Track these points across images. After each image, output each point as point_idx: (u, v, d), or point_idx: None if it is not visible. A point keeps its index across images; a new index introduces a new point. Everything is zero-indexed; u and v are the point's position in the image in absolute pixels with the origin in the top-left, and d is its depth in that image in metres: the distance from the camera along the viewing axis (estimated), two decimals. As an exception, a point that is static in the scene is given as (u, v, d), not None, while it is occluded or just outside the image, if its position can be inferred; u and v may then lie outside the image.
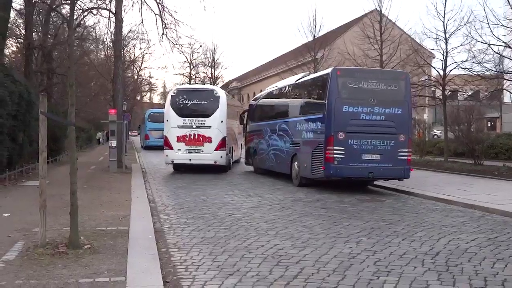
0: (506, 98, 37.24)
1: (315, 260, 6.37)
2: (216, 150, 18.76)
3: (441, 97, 23.91)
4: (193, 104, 19.25)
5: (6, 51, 25.50)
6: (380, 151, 13.20)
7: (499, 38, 19.43)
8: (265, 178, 17.73)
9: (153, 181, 16.49)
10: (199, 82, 64.22)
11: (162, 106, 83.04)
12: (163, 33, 23.51)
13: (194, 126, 18.84)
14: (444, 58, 22.27)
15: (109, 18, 22.41)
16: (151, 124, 42.29)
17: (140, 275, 5.43)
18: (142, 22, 50.58)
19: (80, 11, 18.97)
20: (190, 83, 62.45)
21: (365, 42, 27.81)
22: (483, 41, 19.68)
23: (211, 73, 65.24)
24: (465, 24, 20.88)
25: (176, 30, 24.21)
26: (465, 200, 11.77)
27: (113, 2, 21.84)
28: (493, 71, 21.86)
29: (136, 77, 63.56)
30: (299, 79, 17.00)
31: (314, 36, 34.25)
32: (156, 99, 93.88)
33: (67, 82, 7.69)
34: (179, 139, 18.84)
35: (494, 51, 20.33)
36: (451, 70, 22.72)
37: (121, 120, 21.47)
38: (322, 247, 7.09)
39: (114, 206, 10.56)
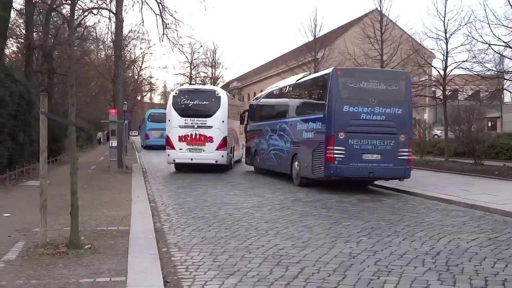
0: (507, 98, 37.18)
1: (316, 260, 6.37)
2: (217, 149, 18.97)
3: (441, 97, 23.90)
4: (194, 104, 19.50)
5: (7, 51, 25.53)
6: (381, 151, 13.20)
7: (499, 38, 19.44)
8: (265, 178, 17.73)
9: (153, 181, 16.49)
10: (200, 82, 64.25)
11: (162, 106, 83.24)
12: (163, 33, 23.52)
13: (195, 126, 19.05)
14: (445, 58, 22.27)
15: (109, 18, 22.45)
16: (151, 124, 42.37)
17: (141, 275, 5.43)
18: (143, 22, 50.80)
19: (81, 11, 19.02)
20: (190, 83, 62.52)
21: (366, 42, 27.79)
22: (483, 41, 19.68)
23: (212, 73, 65.36)
24: (465, 24, 20.89)
25: (176, 30, 24.23)
26: (466, 200, 11.77)
27: (114, 2, 21.86)
28: (493, 71, 21.85)
29: (136, 77, 63.65)
30: (299, 79, 17.00)
31: (315, 36, 34.23)
32: (157, 99, 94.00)
33: (68, 82, 7.69)
34: (180, 138, 19.05)
35: (495, 51, 20.35)
36: (451, 70, 22.73)
37: (121, 120, 21.47)
38: (323, 247, 7.08)
39: (115, 206, 10.56)
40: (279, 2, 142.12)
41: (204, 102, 19.58)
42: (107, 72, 33.34)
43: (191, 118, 19.15)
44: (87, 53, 34.52)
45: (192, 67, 65.33)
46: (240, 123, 22.69)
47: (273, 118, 18.19)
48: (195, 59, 64.66)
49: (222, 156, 19.14)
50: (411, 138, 14.56)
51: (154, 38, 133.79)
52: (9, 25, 20.82)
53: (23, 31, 25.18)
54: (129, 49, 45.57)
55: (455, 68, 22.42)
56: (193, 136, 19.03)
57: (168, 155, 19.49)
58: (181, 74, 66.46)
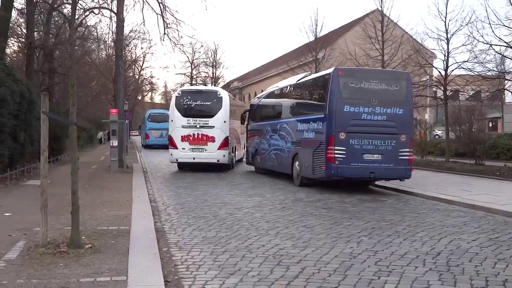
0: (508, 98, 37.13)
1: (316, 260, 6.37)
2: (219, 149, 19.33)
3: (442, 97, 23.88)
4: (197, 104, 19.86)
5: (8, 51, 25.53)
6: (381, 151, 13.19)
7: (500, 39, 19.41)
8: (266, 178, 17.73)
9: (154, 181, 16.50)
10: (201, 82, 64.30)
11: (163, 106, 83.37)
12: (164, 33, 23.50)
13: (198, 126, 19.40)
14: (446, 58, 22.25)
15: (110, 18, 22.45)
16: (151, 124, 42.81)
17: (141, 275, 5.43)
18: (144, 22, 50.57)
19: (82, 10, 18.97)
20: (191, 83, 62.64)
21: (367, 42, 27.78)
22: (484, 41, 19.66)
23: (213, 73, 65.46)
24: (466, 24, 20.87)
25: (177, 30, 24.20)
26: (467, 200, 11.76)
27: (115, 2, 21.81)
28: (494, 71, 21.84)
29: (137, 76, 63.70)
30: (300, 79, 16.99)
31: (316, 36, 34.25)
32: (157, 98, 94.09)
33: (69, 81, 7.70)
34: (183, 138, 19.39)
35: (496, 51, 20.32)
36: (452, 70, 22.71)
37: (122, 119, 21.50)
38: (323, 247, 7.08)
39: (115, 205, 10.57)
40: (280, 2, 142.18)
41: (206, 103, 19.89)
42: (108, 72, 33.28)
43: (194, 118, 19.48)
44: (88, 52, 34.53)
45: (193, 67, 65.47)
46: (241, 123, 22.72)
47: (274, 118, 18.19)
48: (196, 59, 64.80)
49: (224, 155, 19.45)
50: (412, 138, 14.55)
51: (155, 37, 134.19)
52: (10, 24, 20.83)
53: (24, 31, 25.14)
54: (130, 49, 45.62)
55: (456, 68, 22.42)
56: (196, 136, 19.36)
57: (171, 154, 19.80)
58: (182, 74, 66.61)
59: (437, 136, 38.51)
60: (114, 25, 22.36)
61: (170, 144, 19.97)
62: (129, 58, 48.11)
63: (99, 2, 21.84)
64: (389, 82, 13.56)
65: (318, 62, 34.05)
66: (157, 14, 23.35)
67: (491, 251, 7.04)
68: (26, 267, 5.67)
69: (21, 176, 15.76)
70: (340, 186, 14.32)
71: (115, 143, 19.93)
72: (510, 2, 18.81)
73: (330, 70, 14.03)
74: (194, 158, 19.45)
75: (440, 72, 23.36)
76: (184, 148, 19.41)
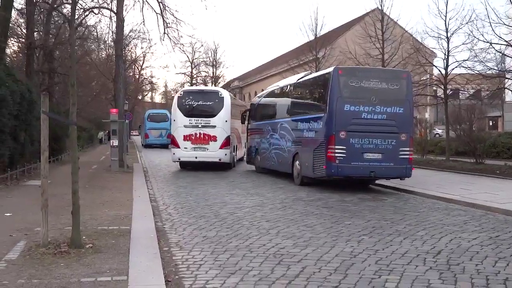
0: (508, 97, 37.12)
1: (317, 259, 6.37)
2: (220, 148, 19.66)
3: (442, 96, 23.89)
4: (198, 104, 20.19)
5: (8, 51, 25.49)
6: (382, 150, 13.20)
7: (500, 37, 19.40)
8: (266, 177, 17.73)
9: (154, 181, 16.51)
10: (201, 82, 64.32)
11: (163, 105, 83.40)
12: (164, 33, 23.50)
13: (199, 126, 19.73)
14: (446, 57, 22.26)
15: (110, 18, 22.46)
16: (150, 124, 43.54)
17: (142, 274, 5.44)
18: (144, 22, 50.59)
19: (81, 10, 18.97)
20: (191, 83, 62.63)
21: (367, 41, 27.78)
22: (485, 40, 19.68)
23: (213, 73, 65.51)
24: (466, 23, 20.89)
25: (177, 29, 24.26)
26: (467, 199, 11.76)
27: (114, 2, 21.83)
28: (494, 70, 21.83)
29: (137, 76, 63.70)
30: (300, 78, 16.99)
31: (316, 35, 34.25)
32: (158, 98, 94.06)
33: (69, 81, 7.70)
34: (185, 138, 19.69)
35: (496, 50, 20.33)
36: (452, 69, 22.73)
37: (122, 119, 21.51)
38: (324, 246, 7.08)
39: (116, 205, 10.57)
40: (280, 2, 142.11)
41: (208, 103, 20.22)
42: (108, 72, 33.29)
43: (196, 118, 19.80)
44: (88, 52, 34.49)
45: (193, 66, 65.48)
46: (241, 123, 22.75)
47: (274, 117, 18.19)
48: (196, 58, 64.85)
49: (226, 154, 19.78)
50: (412, 137, 14.56)
51: (155, 37, 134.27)
52: (10, 24, 20.81)
53: (24, 31, 25.13)
54: (130, 49, 45.67)
55: (456, 67, 22.46)
56: (198, 135, 19.67)
57: (174, 153, 20.16)
58: (182, 73, 66.58)
59: (437, 135, 38.53)
60: (114, 25, 22.40)
61: (172, 143, 20.33)
62: (129, 58, 48.15)
63: (99, 2, 21.88)
64: (389, 81, 13.56)
65: (318, 61, 34.04)
66: (157, 13, 23.38)
67: (492, 249, 7.04)
68: (27, 267, 5.67)
69: (21, 176, 15.77)
70: (340, 185, 14.32)
71: (116, 143, 19.96)
72: (510, 1, 18.81)
73: (330, 69, 14.03)
74: (196, 157, 19.71)
75: (440, 71, 23.37)
76: (186, 148, 19.68)
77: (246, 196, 12.58)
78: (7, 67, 16.46)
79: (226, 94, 21.01)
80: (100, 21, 67.31)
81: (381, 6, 27.66)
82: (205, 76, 66.41)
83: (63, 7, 24.77)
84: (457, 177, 16.81)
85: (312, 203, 11.48)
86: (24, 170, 16.25)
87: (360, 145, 13.10)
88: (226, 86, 65.85)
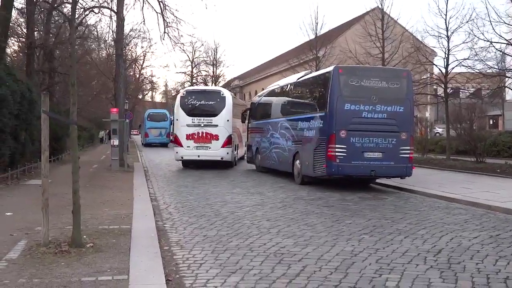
0: (508, 95, 37.09)
1: (317, 258, 6.37)
2: (222, 147, 20.04)
3: (443, 95, 23.88)
4: (201, 104, 20.55)
5: (8, 50, 25.50)
6: (382, 149, 13.19)
7: (501, 36, 19.40)
8: (267, 176, 17.73)
9: (155, 180, 16.51)
10: (201, 81, 64.30)
11: (163, 105, 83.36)
12: (164, 32, 23.50)
13: (202, 125, 20.10)
14: (446, 55, 22.26)
15: (110, 17, 22.50)
16: (150, 123, 44.39)
17: (143, 274, 5.44)
18: (144, 21, 50.48)
19: (82, 10, 18.92)
20: (191, 82, 62.62)
21: (367, 40, 27.77)
22: (485, 39, 19.68)
23: (213, 72, 65.44)
24: (467, 22, 20.89)
25: (177, 28, 24.39)
26: (468, 198, 11.76)
27: (115, 1, 21.84)
28: (495, 69, 21.85)
29: (137, 76, 63.66)
30: (300, 77, 16.98)
31: (316, 34, 34.22)
32: (158, 97, 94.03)
33: (69, 81, 7.70)
34: (188, 137, 20.04)
35: (496, 49, 20.31)
36: (453, 68, 22.72)
37: (122, 119, 21.52)
38: (324, 245, 7.08)
39: (117, 204, 10.58)
40: (280, 1, 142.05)
41: (210, 102, 20.58)
42: (108, 71, 33.29)
43: (198, 117, 20.16)
44: (89, 52, 34.53)
45: (193, 65, 65.40)
46: (242, 122, 22.81)
47: (275, 116, 18.19)
48: (196, 57, 64.82)
49: (227, 153, 20.16)
50: (413, 136, 14.55)
51: (155, 36, 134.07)
52: (10, 24, 20.81)
53: (24, 30, 25.14)
54: (130, 48, 45.59)
55: (456, 66, 22.44)
56: (200, 135, 20.03)
57: (176, 152, 20.51)
58: (183, 72, 66.52)
59: (437, 134, 38.51)
60: (114, 24, 22.47)
61: (175, 142, 20.75)
62: (130, 57, 48.10)
63: (99, 1, 21.87)
64: (390, 80, 13.55)
65: (319, 60, 34.03)
66: (157, 13, 23.39)
67: (492, 248, 7.03)
68: (28, 267, 5.68)
69: (22, 175, 15.78)
70: (341, 184, 14.32)
71: (116, 142, 19.98)
72: (511, 0, 18.79)
73: (330, 68, 14.02)
74: (198, 156, 20.06)
75: (440, 70, 23.38)
76: (189, 146, 20.03)
77: (246, 195, 12.58)
78: (7, 67, 16.46)
79: (227, 94, 21.36)
80: (100, 20, 67.45)
81: (381, 5, 27.67)
82: (206, 75, 66.37)
83: (63, 6, 24.73)
84: (458, 176, 16.80)
85: (312, 202, 11.48)
86: (25, 169, 16.26)
87: (360, 144, 13.10)
88: (227, 85, 65.80)
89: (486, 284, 5.42)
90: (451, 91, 25.46)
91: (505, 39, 19.27)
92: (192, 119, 20.09)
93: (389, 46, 27.16)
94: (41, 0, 23.35)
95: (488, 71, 21.67)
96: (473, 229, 8.42)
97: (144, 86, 70.97)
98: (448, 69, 22.45)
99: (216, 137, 19.96)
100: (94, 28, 30.65)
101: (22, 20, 26.41)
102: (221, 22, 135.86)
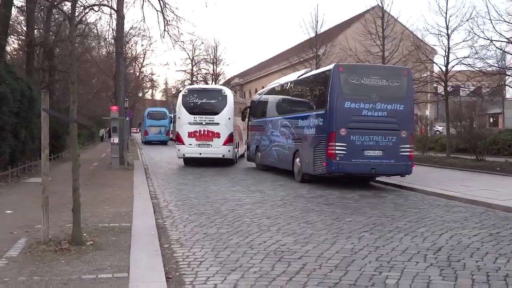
0: (509, 94, 37.14)
1: (318, 255, 6.37)
2: (224, 144, 20.26)
3: (443, 93, 23.85)
4: (202, 102, 20.76)
5: (8, 48, 25.45)
6: (382, 147, 13.19)
7: (501, 34, 19.37)
8: (267, 174, 17.74)
9: (155, 178, 16.51)
10: (201, 79, 64.26)
11: (164, 103, 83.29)
12: (164, 30, 23.46)
13: (204, 123, 20.33)
14: (446, 54, 22.20)
15: (110, 15, 22.44)
16: (150, 121, 45.12)
17: (143, 271, 5.44)
18: (144, 19, 50.48)
19: (82, 8, 18.88)
20: (192, 80, 62.60)
21: (367, 38, 27.73)
22: (485, 37, 19.63)
23: (213, 70, 65.34)
24: (467, 20, 20.84)
25: (177, 26, 24.20)
26: (468, 195, 11.76)
27: (115, -1, 21.79)
28: (495, 67, 21.82)
29: (138, 74, 63.59)
30: (301, 75, 16.98)
31: (316, 32, 34.20)
32: (158, 95, 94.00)
33: (69, 79, 7.70)
34: (190, 134, 20.28)
35: (497, 47, 20.29)
36: (453, 66, 22.67)
37: (123, 117, 21.52)
38: (325, 242, 7.09)
39: (117, 202, 10.58)
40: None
41: (212, 101, 20.81)
42: (108, 69, 33.26)
43: (200, 116, 20.38)
44: (88, 50, 34.47)
45: (193, 64, 65.32)
46: (242, 120, 22.83)
47: (275, 114, 18.19)
48: (196, 55, 64.71)
49: (229, 150, 20.40)
50: (413, 134, 14.56)
51: (155, 35, 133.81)
52: (10, 22, 20.80)
53: (24, 28, 25.11)
54: (130, 46, 45.48)
55: (456, 64, 22.37)
56: (202, 132, 20.25)
57: (178, 150, 20.73)
58: (183, 71, 66.45)
59: (437, 132, 38.47)
60: (114, 22, 22.39)
61: (177, 140, 20.97)
62: (130, 55, 47.96)
63: (98, -1, 21.78)
64: (390, 78, 13.55)
65: (319, 58, 34.01)
66: (157, 11, 23.35)
67: (492, 246, 7.04)
68: (28, 264, 5.68)
69: (22, 173, 15.79)
70: (341, 182, 14.32)
71: (116, 140, 20.00)
72: (511, -2, 18.77)
73: (330, 66, 14.01)
74: (200, 154, 20.32)
75: (440, 68, 23.34)
76: (191, 144, 20.27)
77: (246, 193, 12.58)
78: (7, 65, 16.46)
79: (229, 92, 21.59)
80: (100, 18, 67.04)
81: (382, 3, 27.63)
82: (206, 73, 66.30)
83: (63, 4, 24.60)
84: (458, 174, 16.80)
85: (312, 200, 11.49)
86: (25, 167, 16.26)
87: (360, 142, 13.09)
88: (227, 83, 65.72)
89: (486, 281, 5.43)
90: (451, 89, 25.43)
91: (505, 37, 19.26)
92: (194, 117, 20.30)
93: (389, 44, 27.12)
94: (41, -2, 23.32)
95: (488, 69, 21.63)
96: (473, 227, 8.43)
97: (144, 84, 70.92)
98: (448, 67, 22.41)
99: (217, 135, 20.16)
100: (94, 26, 30.64)
101: (22, 18, 26.40)
102: (221, 20, 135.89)
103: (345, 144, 13.03)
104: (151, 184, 14.56)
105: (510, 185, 13.93)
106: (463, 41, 21.63)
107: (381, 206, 10.75)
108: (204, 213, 9.52)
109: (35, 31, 25.60)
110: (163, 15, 23.19)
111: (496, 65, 21.85)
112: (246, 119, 22.23)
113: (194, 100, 20.72)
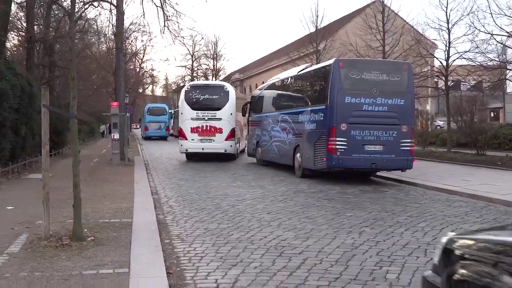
0: (509, 88, 37.07)
1: (318, 250, 6.38)
2: (226, 140, 20.55)
3: (443, 87, 23.83)
4: (205, 98, 21.03)
5: (8, 45, 25.40)
6: (383, 142, 13.19)
7: (502, 28, 19.34)
8: (267, 169, 17.73)
9: (155, 173, 16.51)
10: (201, 75, 64.19)
11: (164, 98, 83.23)
12: (164, 25, 23.41)
13: (206, 118, 20.57)
14: (447, 48, 22.19)
15: (110, 11, 22.40)
16: (150, 117, 45.67)
17: (144, 267, 5.45)
18: (144, 15, 50.43)
19: (81, 3, 18.90)
20: (192, 76, 62.54)
21: (368, 33, 27.67)
22: (486, 31, 19.60)
23: (213, 65, 65.27)
24: (468, 14, 20.83)
25: (177, 22, 24.38)
26: (468, 190, 11.76)
27: (114, -5, 21.74)
28: (496, 61, 21.79)
29: (138, 69, 63.49)
30: (301, 70, 16.95)
31: (316, 27, 34.12)
32: (159, 91, 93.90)
33: (69, 75, 7.69)
34: (192, 130, 20.51)
35: (497, 41, 20.27)
36: (454, 61, 22.67)
37: (123, 112, 21.51)
38: (325, 237, 7.10)
39: (117, 198, 10.59)
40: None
41: (214, 96, 21.07)
42: (108, 65, 33.20)
43: (202, 111, 20.62)
44: (88, 46, 34.41)
45: (193, 59, 65.25)
46: (242, 115, 22.85)
47: (275, 109, 18.18)
48: (196, 51, 64.64)
49: (231, 145, 20.70)
50: (414, 129, 14.53)
51: (155, 30, 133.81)
52: (10, 18, 20.76)
53: (24, 24, 25.07)
54: (130, 42, 45.43)
55: (457, 58, 22.39)
56: (204, 128, 20.50)
57: (181, 145, 21.00)
58: (183, 66, 66.37)
59: (438, 127, 38.49)
60: (114, 18, 22.36)
61: (180, 135, 21.20)
62: (130, 51, 47.91)
63: (98, -5, 21.73)
64: (390, 72, 13.53)
65: (319, 53, 33.94)
66: (157, 6, 23.27)
67: (493, 240, 7.03)
68: (29, 260, 5.69)
69: (22, 169, 15.79)
70: (341, 177, 14.32)
71: (116, 136, 19.99)
72: (512, -8, 18.71)
73: (331, 61, 13.99)
74: (203, 149, 20.55)
75: (441, 63, 23.33)
76: (193, 139, 20.50)
77: (247, 189, 12.59)
78: (7, 61, 16.45)
79: (231, 88, 21.85)
80: (100, 14, 67.31)
81: (382, -2, 27.54)
82: (206, 69, 66.23)
83: (63, 0, 24.69)
84: (458, 169, 16.80)
85: (313, 195, 11.49)
86: (25, 163, 16.26)
87: (361, 137, 13.09)
88: (227, 79, 65.62)
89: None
90: (452, 83, 25.41)
91: (506, 32, 19.23)
92: (197, 113, 20.52)
93: (389, 39, 27.07)
94: (40, -6, 23.28)
95: (489, 63, 21.62)
96: (474, 222, 8.43)
97: (144, 80, 70.78)
98: (449, 61, 22.39)
99: (220, 130, 20.38)
100: (94, 22, 30.65)
101: (21, 14, 26.36)
102: (221, 15, 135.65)
103: (345, 139, 13.03)
104: (151, 180, 14.56)
105: (511, 179, 13.93)
106: (464, 35, 21.78)
107: (381, 201, 10.76)
108: (205, 209, 9.53)
109: (35, 27, 25.55)
110: (163, 11, 23.16)
111: (496, 59, 21.88)
112: (247, 115, 22.23)
113: (197, 96, 20.94)
